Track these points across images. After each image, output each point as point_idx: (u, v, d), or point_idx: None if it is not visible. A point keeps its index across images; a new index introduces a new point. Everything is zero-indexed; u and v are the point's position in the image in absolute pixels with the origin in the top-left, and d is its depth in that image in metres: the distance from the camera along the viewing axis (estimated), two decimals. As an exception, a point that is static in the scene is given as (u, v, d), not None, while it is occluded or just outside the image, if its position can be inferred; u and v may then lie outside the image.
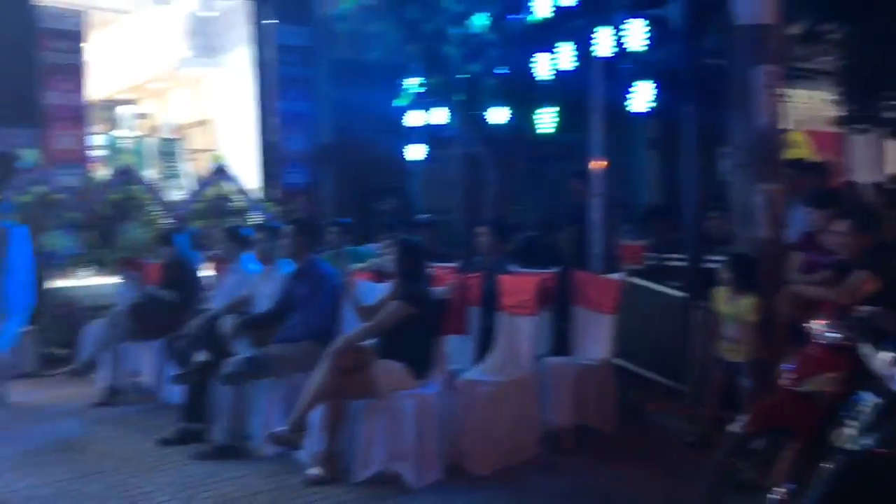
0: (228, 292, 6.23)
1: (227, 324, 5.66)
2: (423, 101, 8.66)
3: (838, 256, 4.82)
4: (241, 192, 10.28)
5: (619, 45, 6.41)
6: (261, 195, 10.64)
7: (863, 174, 11.41)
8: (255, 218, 9.75)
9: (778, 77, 5.83)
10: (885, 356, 3.30)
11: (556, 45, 7.00)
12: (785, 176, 6.07)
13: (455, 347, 5.38)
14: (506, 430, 5.06)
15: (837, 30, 10.08)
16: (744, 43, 5.81)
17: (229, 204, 10.09)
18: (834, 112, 12.26)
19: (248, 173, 10.81)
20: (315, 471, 4.79)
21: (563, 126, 8.15)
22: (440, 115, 8.62)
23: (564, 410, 5.37)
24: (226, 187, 10.18)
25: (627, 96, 6.52)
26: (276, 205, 10.44)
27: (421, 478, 4.72)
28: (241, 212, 10.04)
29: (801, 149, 12.54)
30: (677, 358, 6.08)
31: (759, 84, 5.74)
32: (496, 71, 7.68)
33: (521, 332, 5.36)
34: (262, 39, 11.01)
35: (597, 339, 5.67)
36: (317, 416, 4.83)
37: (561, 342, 5.76)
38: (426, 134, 9.01)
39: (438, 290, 5.28)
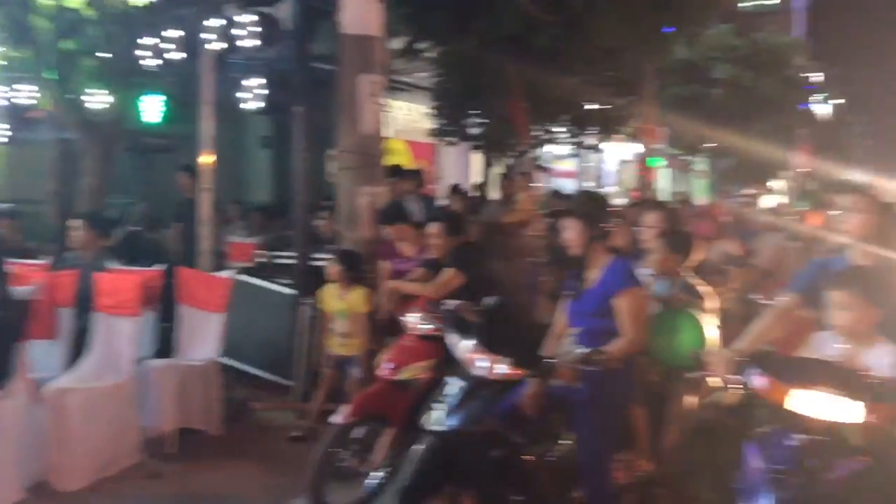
0: None
1: None
2: (6, 76, 7.67)
3: (422, 258, 5.28)
4: None
5: (229, 38, 6.30)
6: None
7: (452, 181, 12.64)
8: None
9: (381, 87, 6.22)
10: (467, 344, 3.67)
11: (163, 31, 6.66)
12: (386, 181, 6.51)
13: (42, 353, 4.89)
14: (101, 439, 4.74)
15: (433, 48, 11.06)
16: (349, 52, 6.10)
17: None
18: (428, 124, 13.49)
19: None
20: None
21: (171, 117, 7.81)
22: (27, 94, 7.73)
23: (167, 414, 5.16)
24: None
25: (238, 92, 6.45)
26: None
27: (-3, 501, 4.21)
28: None
29: (399, 156, 13.56)
30: (285, 354, 6.17)
31: (363, 92, 6.07)
32: (96, 52, 7.06)
33: (121, 333, 5.05)
34: None
35: (204, 338, 5.54)
36: None
37: (165, 343, 5.51)
38: (10, 113, 8.03)
39: (21, 289, 4.78)
